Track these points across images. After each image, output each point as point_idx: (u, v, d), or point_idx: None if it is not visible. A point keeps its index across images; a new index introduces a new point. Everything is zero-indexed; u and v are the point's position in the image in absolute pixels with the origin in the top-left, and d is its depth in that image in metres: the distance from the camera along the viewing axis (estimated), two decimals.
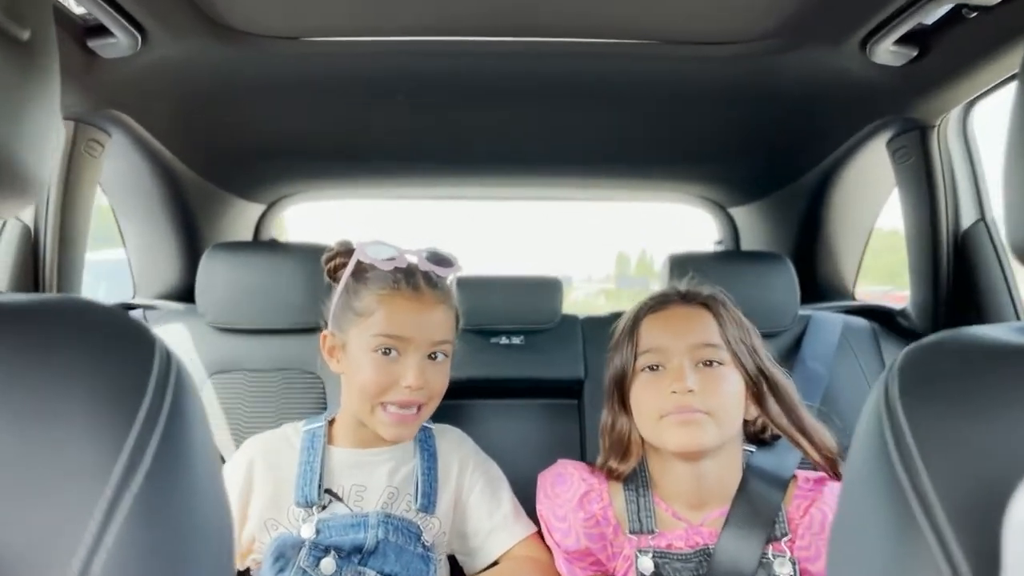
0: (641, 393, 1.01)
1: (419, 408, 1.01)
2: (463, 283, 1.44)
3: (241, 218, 1.91)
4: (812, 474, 1.02)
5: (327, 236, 1.11)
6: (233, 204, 1.84)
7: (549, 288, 1.46)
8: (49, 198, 1.24)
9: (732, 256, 1.81)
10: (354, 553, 0.97)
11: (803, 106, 1.32)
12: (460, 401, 1.41)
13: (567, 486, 1.04)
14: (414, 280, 1.01)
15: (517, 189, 2.02)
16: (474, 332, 1.44)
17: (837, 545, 0.47)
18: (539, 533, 1.09)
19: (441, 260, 1.06)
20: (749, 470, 1.01)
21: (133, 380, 0.37)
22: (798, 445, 1.00)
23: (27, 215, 1.24)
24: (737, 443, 1.02)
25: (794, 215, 1.78)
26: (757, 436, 1.05)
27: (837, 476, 1.00)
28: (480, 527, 1.08)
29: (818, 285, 1.78)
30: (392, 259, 1.01)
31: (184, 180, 1.60)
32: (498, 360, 1.44)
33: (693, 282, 1.09)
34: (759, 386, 1.00)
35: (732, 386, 0.98)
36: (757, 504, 0.97)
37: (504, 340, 1.46)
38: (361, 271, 1.03)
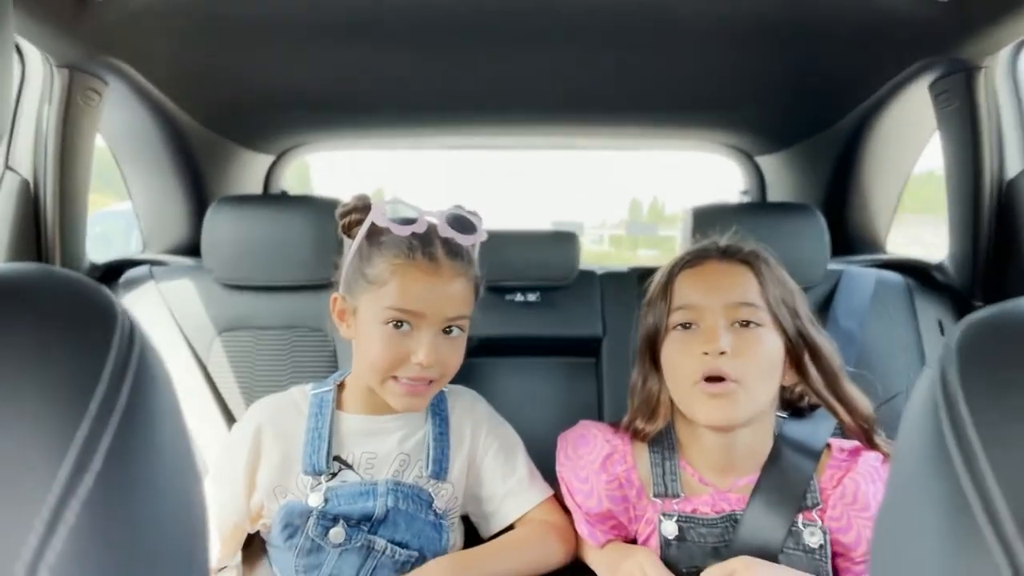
0: (672, 352, 0.95)
1: (431, 380, 0.96)
2: None
3: (249, 170, 1.86)
4: (846, 443, 0.98)
5: (354, 188, 1.04)
6: (240, 155, 1.79)
7: (565, 242, 1.40)
8: (47, 150, 1.19)
9: (759, 208, 1.72)
10: (363, 522, 0.94)
11: (840, 45, 1.22)
12: (475, 359, 1.36)
13: (590, 447, 1.01)
14: (431, 249, 0.92)
15: (533, 137, 1.94)
16: (488, 289, 1.39)
17: (883, 542, 0.41)
18: (555, 496, 1.07)
19: (464, 226, 0.97)
20: (781, 439, 0.97)
21: (85, 367, 0.32)
22: (835, 414, 0.95)
23: (25, 168, 1.19)
24: (771, 411, 0.97)
25: (825, 164, 1.69)
26: (794, 403, 1.01)
27: (872, 445, 0.95)
28: (495, 491, 1.05)
29: (848, 237, 1.70)
30: (409, 223, 0.93)
31: (188, 130, 1.54)
32: (513, 318, 1.40)
33: (735, 236, 1.02)
34: (799, 351, 0.94)
35: (769, 350, 0.92)
36: (788, 474, 0.93)
37: (519, 297, 1.41)
38: (376, 233, 0.95)
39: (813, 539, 0.88)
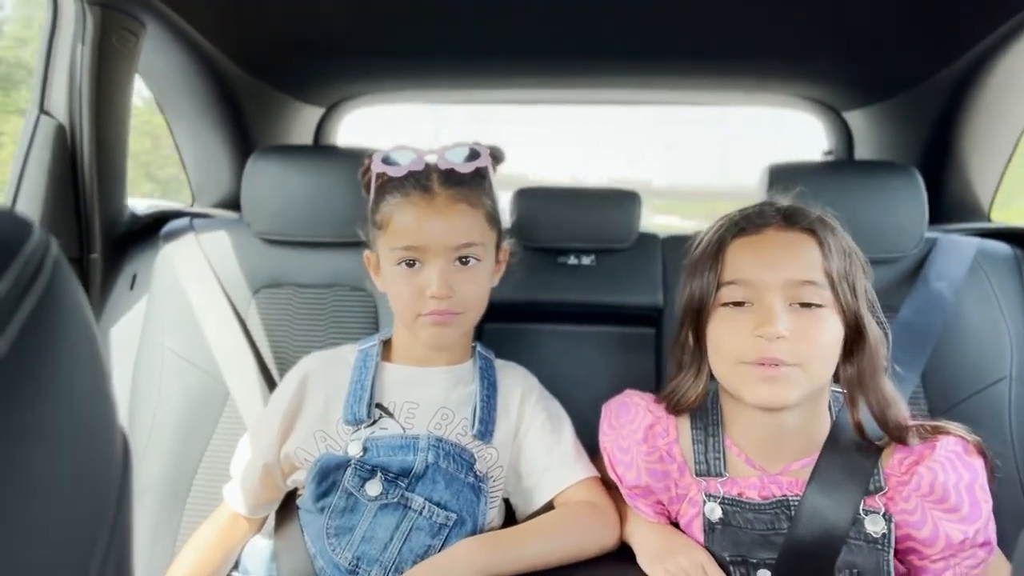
0: (721, 331, 0.85)
1: (455, 312, 0.94)
2: (526, 194, 1.29)
3: (298, 123, 1.80)
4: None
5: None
6: (289, 106, 1.72)
7: (625, 201, 1.28)
8: (82, 93, 1.14)
9: (847, 167, 1.53)
10: (401, 476, 0.91)
11: None
12: (523, 325, 1.30)
13: (631, 416, 0.94)
14: (426, 182, 0.93)
15: (598, 91, 1.81)
16: (539, 250, 1.29)
17: None
18: (599, 478, 0.99)
19: (464, 155, 0.95)
20: (840, 422, 0.87)
21: None
22: (852, 409, 0.84)
23: (61, 113, 1.15)
24: (827, 390, 0.88)
25: (924, 119, 1.50)
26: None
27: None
28: (536, 464, 0.98)
29: (946, 204, 1.51)
30: (402, 165, 0.94)
31: (232, 79, 1.48)
32: (565, 282, 1.30)
33: (797, 197, 0.90)
34: (850, 335, 0.83)
35: (829, 334, 0.81)
36: (851, 456, 0.84)
37: (572, 260, 1.31)
38: (382, 181, 0.96)
39: (875, 527, 0.79)
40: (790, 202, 0.88)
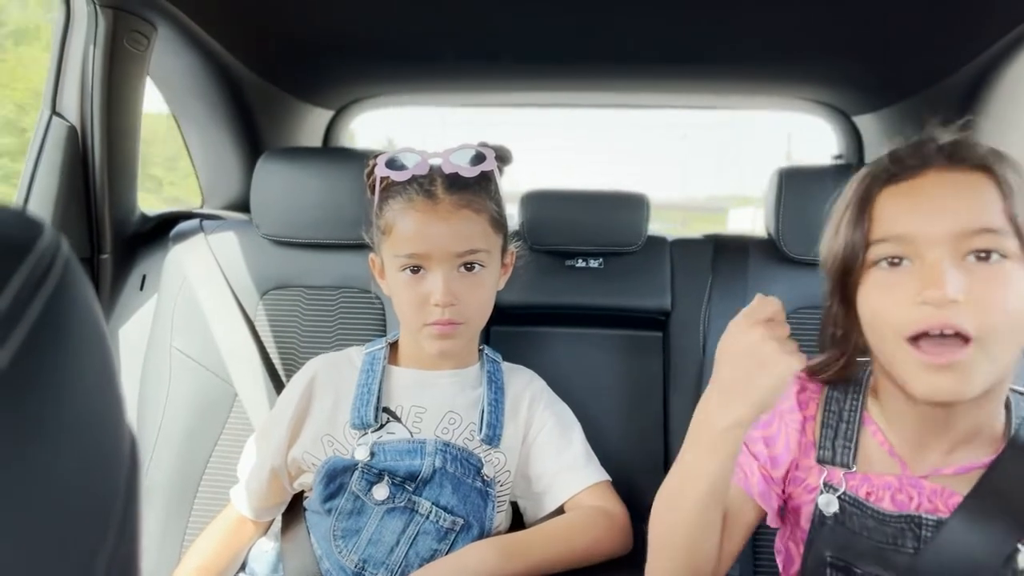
0: (873, 297, 0.68)
1: (459, 323, 0.93)
2: (534, 197, 1.28)
3: (308, 125, 1.80)
4: None
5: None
6: (298, 109, 1.73)
7: (633, 205, 1.28)
8: (93, 96, 1.15)
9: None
10: (408, 480, 0.91)
11: None
12: (530, 328, 1.29)
13: None
14: (430, 187, 0.91)
15: (611, 94, 1.80)
16: (547, 253, 1.29)
17: None
18: (610, 483, 0.98)
19: (469, 158, 0.93)
20: (1019, 435, 0.70)
21: None
22: None
23: (72, 114, 1.16)
24: (1010, 377, 0.70)
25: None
26: None
27: None
28: (547, 468, 0.98)
29: None
30: (407, 168, 0.92)
31: (243, 81, 1.48)
32: (573, 285, 1.29)
33: (959, 132, 0.71)
34: None
35: (1020, 292, 0.63)
36: (1017, 482, 0.68)
37: (580, 263, 1.30)
38: (387, 184, 0.94)
39: None
40: (951, 136, 0.70)
